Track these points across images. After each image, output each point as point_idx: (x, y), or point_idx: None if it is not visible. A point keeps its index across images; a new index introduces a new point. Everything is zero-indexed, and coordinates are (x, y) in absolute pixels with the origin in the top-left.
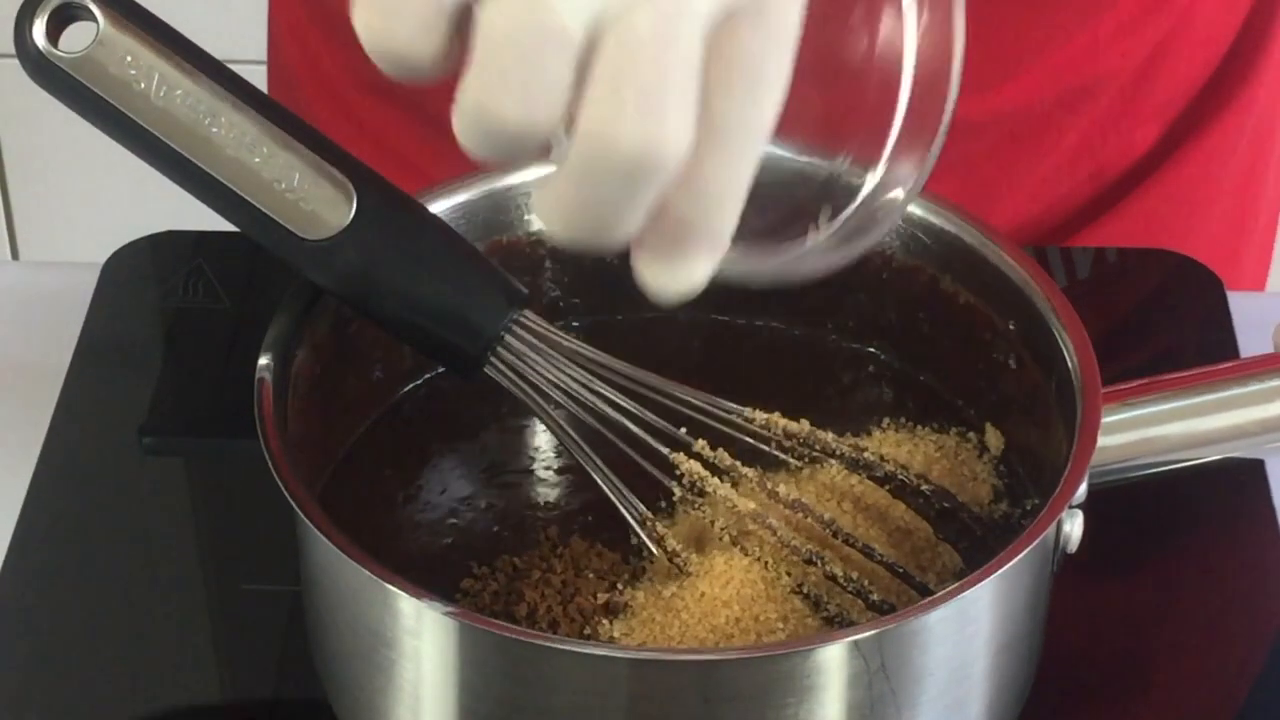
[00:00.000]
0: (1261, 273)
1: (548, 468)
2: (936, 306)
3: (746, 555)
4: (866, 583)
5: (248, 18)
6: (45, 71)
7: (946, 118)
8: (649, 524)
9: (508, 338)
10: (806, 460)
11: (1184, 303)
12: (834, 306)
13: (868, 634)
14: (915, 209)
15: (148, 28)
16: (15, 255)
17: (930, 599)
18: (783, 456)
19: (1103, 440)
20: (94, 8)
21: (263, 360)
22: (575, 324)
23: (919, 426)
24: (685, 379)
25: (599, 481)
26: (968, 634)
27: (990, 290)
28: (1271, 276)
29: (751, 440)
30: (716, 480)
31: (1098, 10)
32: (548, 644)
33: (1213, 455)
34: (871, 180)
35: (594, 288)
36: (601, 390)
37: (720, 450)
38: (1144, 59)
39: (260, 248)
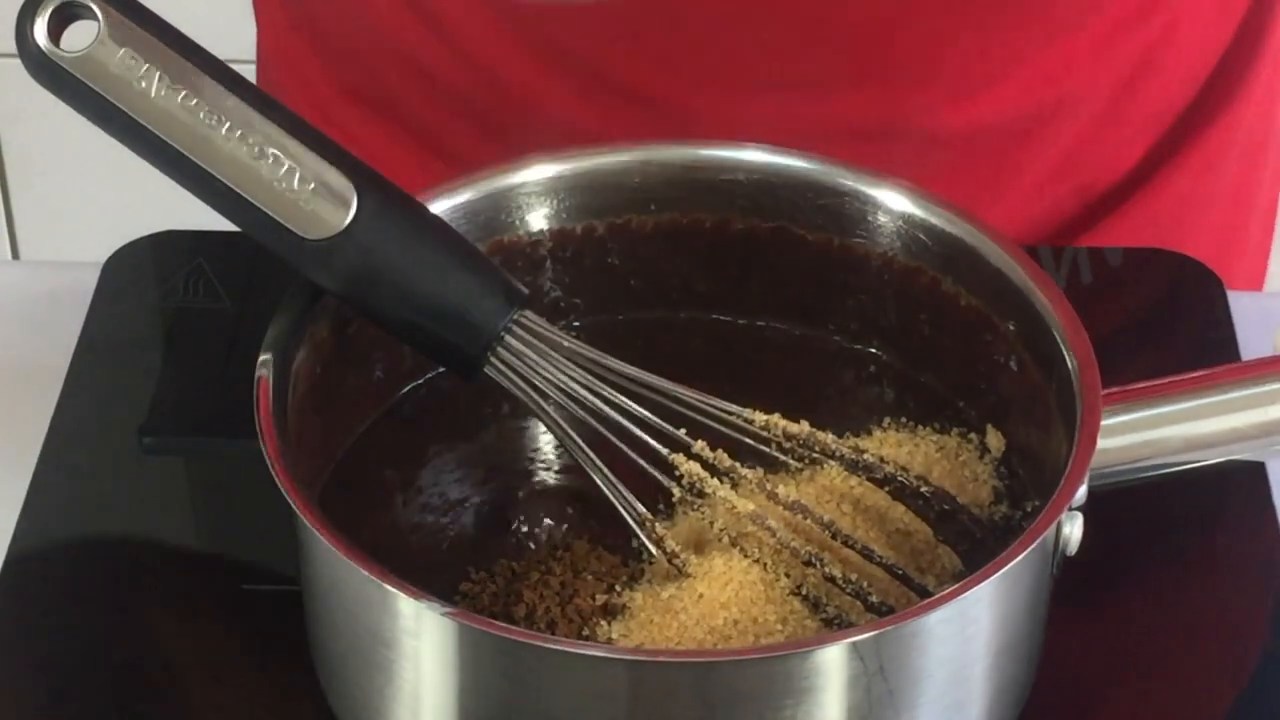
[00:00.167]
0: (1255, 287)
1: (547, 468)
2: (937, 308)
3: (746, 557)
4: (866, 584)
5: (248, 17)
6: (46, 70)
7: None
8: (648, 525)
9: (508, 338)
10: (806, 462)
11: (1184, 303)
12: (835, 307)
13: (866, 635)
14: (916, 210)
15: (149, 27)
16: (15, 255)
17: (929, 600)
18: (782, 458)
19: (1103, 443)
20: (95, 7)
21: (262, 360)
22: (576, 324)
23: (920, 427)
24: (685, 380)
25: (598, 482)
26: (967, 636)
27: (991, 292)
28: (1265, 288)
29: (751, 441)
30: (716, 481)
31: (1075, 24)
32: (546, 645)
33: (1213, 458)
34: None
35: (595, 288)
36: (601, 391)
37: (720, 451)
38: (1126, 73)
39: (261, 247)
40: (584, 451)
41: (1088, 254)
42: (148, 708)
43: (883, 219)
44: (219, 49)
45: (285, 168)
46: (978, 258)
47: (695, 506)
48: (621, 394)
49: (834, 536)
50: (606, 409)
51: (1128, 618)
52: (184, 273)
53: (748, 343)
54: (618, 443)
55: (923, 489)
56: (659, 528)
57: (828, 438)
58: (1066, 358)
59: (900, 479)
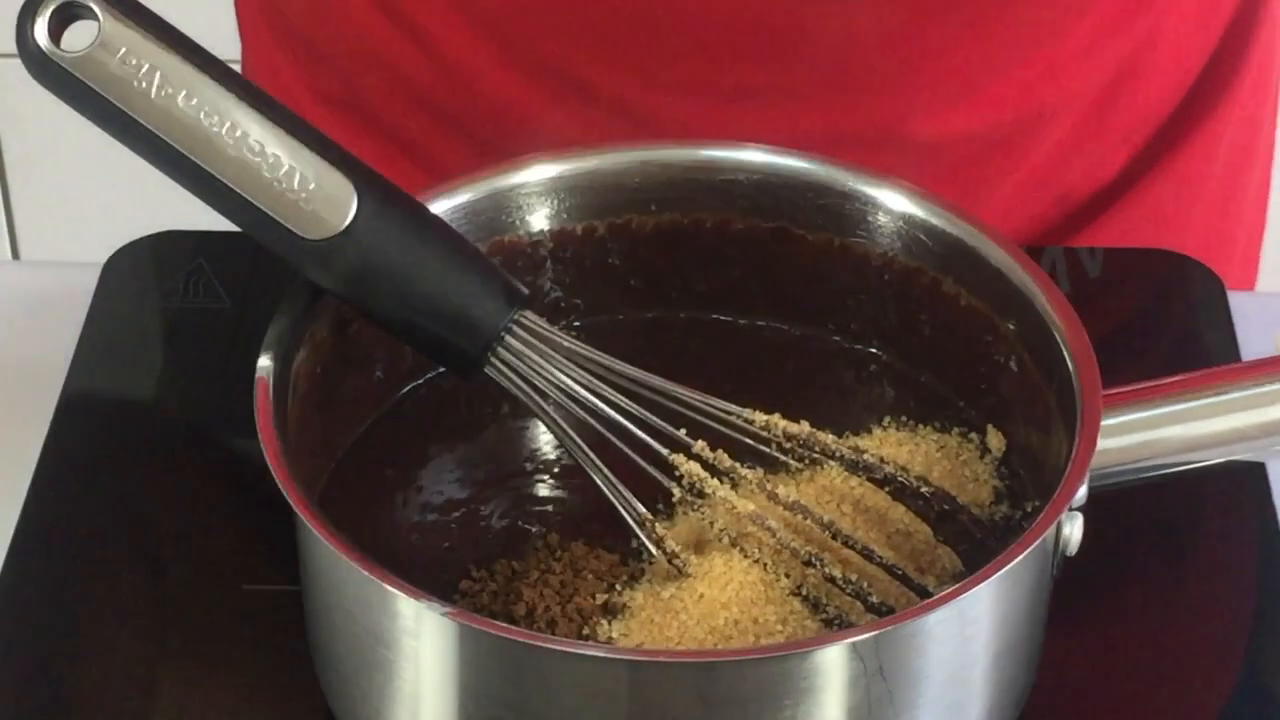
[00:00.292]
0: (1245, 289)
1: (547, 468)
2: (938, 308)
3: (746, 557)
4: (866, 585)
5: None
6: (47, 70)
7: None
8: (648, 525)
9: (508, 338)
10: (806, 462)
11: (1184, 303)
12: (835, 307)
13: (865, 636)
14: (917, 210)
15: (149, 27)
16: (16, 255)
17: (928, 601)
18: (782, 458)
19: (1103, 443)
20: (95, 7)
21: (262, 360)
22: (576, 324)
23: (920, 425)
24: (685, 380)
25: (598, 482)
26: (966, 636)
27: (991, 292)
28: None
29: (751, 442)
30: (716, 481)
31: (1056, 34)
32: (546, 645)
33: (1213, 459)
34: None
35: (595, 288)
36: (601, 391)
37: (720, 451)
38: (1109, 81)
39: (261, 247)
40: (584, 452)
41: (1088, 254)
42: (148, 707)
43: (883, 219)
44: (218, 49)
45: (285, 168)
46: (978, 258)
47: (695, 507)
48: (621, 394)
49: (834, 537)
50: (606, 409)
51: (1127, 618)
52: (184, 273)
53: (748, 343)
54: (618, 443)
55: (923, 489)
56: (659, 528)
57: (828, 438)
58: (1067, 358)
59: (900, 479)
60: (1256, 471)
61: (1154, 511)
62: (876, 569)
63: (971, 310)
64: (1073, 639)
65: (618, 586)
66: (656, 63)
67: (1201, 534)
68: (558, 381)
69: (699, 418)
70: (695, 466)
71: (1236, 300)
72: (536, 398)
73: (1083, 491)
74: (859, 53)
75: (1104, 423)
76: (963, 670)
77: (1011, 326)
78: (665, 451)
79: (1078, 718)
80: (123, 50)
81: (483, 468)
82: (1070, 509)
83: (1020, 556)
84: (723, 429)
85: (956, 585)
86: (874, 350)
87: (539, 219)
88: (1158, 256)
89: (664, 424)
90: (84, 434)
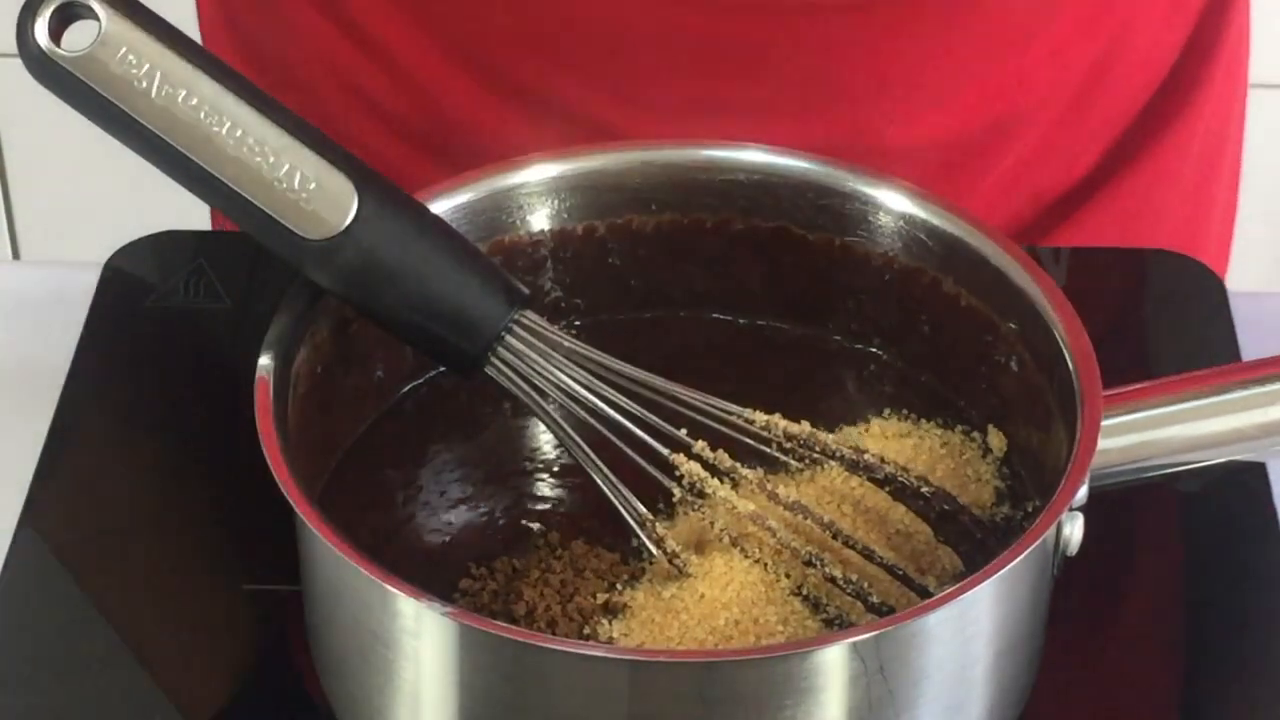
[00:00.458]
0: None
1: (548, 468)
2: (938, 308)
3: (746, 557)
4: (866, 585)
5: None
6: (47, 70)
7: None
8: (649, 525)
9: (508, 338)
10: (807, 462)
11: (1185, 303)
12: (835, 307)
13: (866, 636)
14: (918, 211)
15: (150, 26)
16: (16, 255)
17: (929, 601)
18: (783, 458)
19: (1103, 443)
20: (96, 6)
21: (263, 360)
22: (576, 324)
23: (923, 420)
24: (686, 380)
25: (599, 482)
26: (967, 636)
27: (992, 292)
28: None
29: (751, 442)
30: (716, 481)
31: (1023, 39)
32: (546, 644)
33: (1214, 459)
34: None
35: (596, 288)
36: (602, 391)
37: (720, 451)
38: (1079, 83)
39: (261, 247)
40: (584, 452)
41: (1088, 254)
42: (148, 708)
43: (883, 219)
44: None
45: (286, 168)
46: (979, 258)
47: (696, 507)
48: (622, 394)
49: (834, 537)
50: (607, 409)
51: (1128, 618)
52: (185, 273)
53: (748, 343)
54: (618, 443)
55: (923, 489)
56: (659, 528)
57: (828, 438)
58: (1067, 358)
59: (901, 479)
60: (1257, 471)
61: (1154, 512)
62: (877, 569)
63: (972, 310)
64: (1073, 639)
65: (618, 586)
66: (627, 80)
67: (1201, 534)
68: (558, 381)
69: (699, 418)
70: (695, 466)
71: (1237, 300)
72: (537, 397)
73: (1083, 491)
74: (830, 66)
75: (1104, 423)
76: (963, 670)
77: (1012, 326)
78: (665, 451)
79: (1078, 718)
80: (123, 50)
81: (483, 467)
82: (1071, 509)
83: (1021, 556)
84: (723, 429)
85: (957, 585)
86: (874, 350)
87: (539, 219)
88: (1158, 257)
89: (664, 424)
90: (84, 434)
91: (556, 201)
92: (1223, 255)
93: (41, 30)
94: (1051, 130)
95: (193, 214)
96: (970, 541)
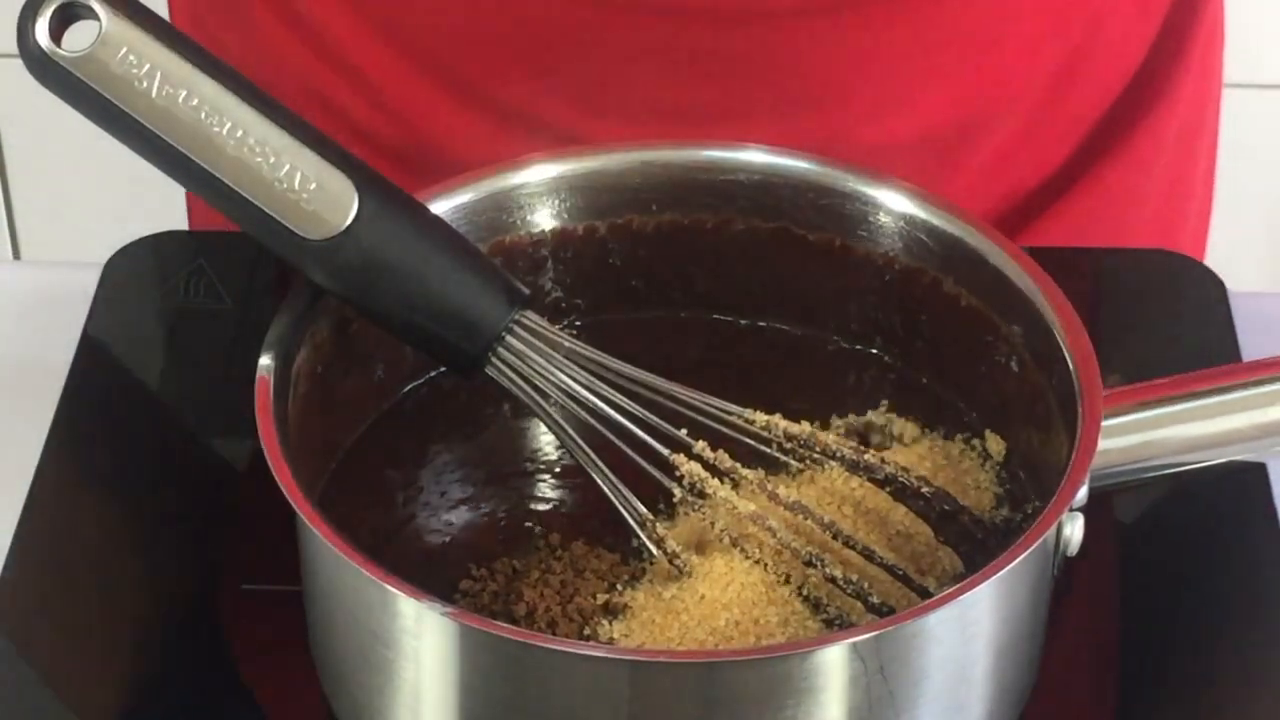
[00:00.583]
0: None
1: (548, 468)
2: (938, 309)
3: (747, 558)
4: (866, 585)
5: None
6: (47, 70)
7: None
8: (649, 525)
9: (509, 338)
10: (807, 463)
11: (1186, 304)
12: (836, 308)
13: (866, 636)
14: (918, 211)
15: (150, 27)
16: (17, 254)
17: (930, 601)
18: (783, 459)
19: (1103, 444)
20: (96, 6)
21: (263, 360)
22: (577, 324)
23: (925, 429)
24: (686, 380)
25: (599, 482)
26: (968, 636)
27: (992, 292)
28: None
29: (752, 442)
30: (717, 482)
31: (995, 39)
32: (547, 645)
33: (1214, 459)
34: None
35: (596, 288)
36: (602, 391)
37: (720, 452)
38: (1051, 78)
39: (262, 247)
40: (585, 452)
41: (1089, 255)
42: (149, 708)
43: (884, 220)
44: None
45: (286, 168)
46: (979, 259)
47: (696, 507)
48: (622, 394)
49: (835, 537)
50: (607, 409)
51: (1128, 619)
52: (185, 273)
53: (748, 343)
54: (618, 443)
55: (924, 489)
56: (660, 528)
57: (829, 438)
58: (1067, 358)
59: (901, 479)
60: (1257, 472)
61: (1154, 512)
62: (878, 570)
63: (972, 310)
64: (1073, 639)
65: (619, 586)
66: (597, 90)
67: (1201, 534)
68: (558, 381)
69: (699, 418)
70: (696, 467)
71: (1238, 301)
72: (537, 398)
73: (1083, 492)
74: (800, 70)
75: (1104, 423)
76: (964, 670)
77: (1012, 327)
78: (666, 452)
79: (1078, 717)
80: (123, 50)
81: (483, 467)
82: (1071, 509)
83: (1021, 557)
84: (723, 429)
85: (958, 585)
86: (874, 351)
87: (540, 219)
88: (1159, 257)
89: (665, 424)
90: (85, 434)
91: (557, 201)
92: (1199, 247)
93: (42, 30)
94: (1025, 125)
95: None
96: (971, 542)
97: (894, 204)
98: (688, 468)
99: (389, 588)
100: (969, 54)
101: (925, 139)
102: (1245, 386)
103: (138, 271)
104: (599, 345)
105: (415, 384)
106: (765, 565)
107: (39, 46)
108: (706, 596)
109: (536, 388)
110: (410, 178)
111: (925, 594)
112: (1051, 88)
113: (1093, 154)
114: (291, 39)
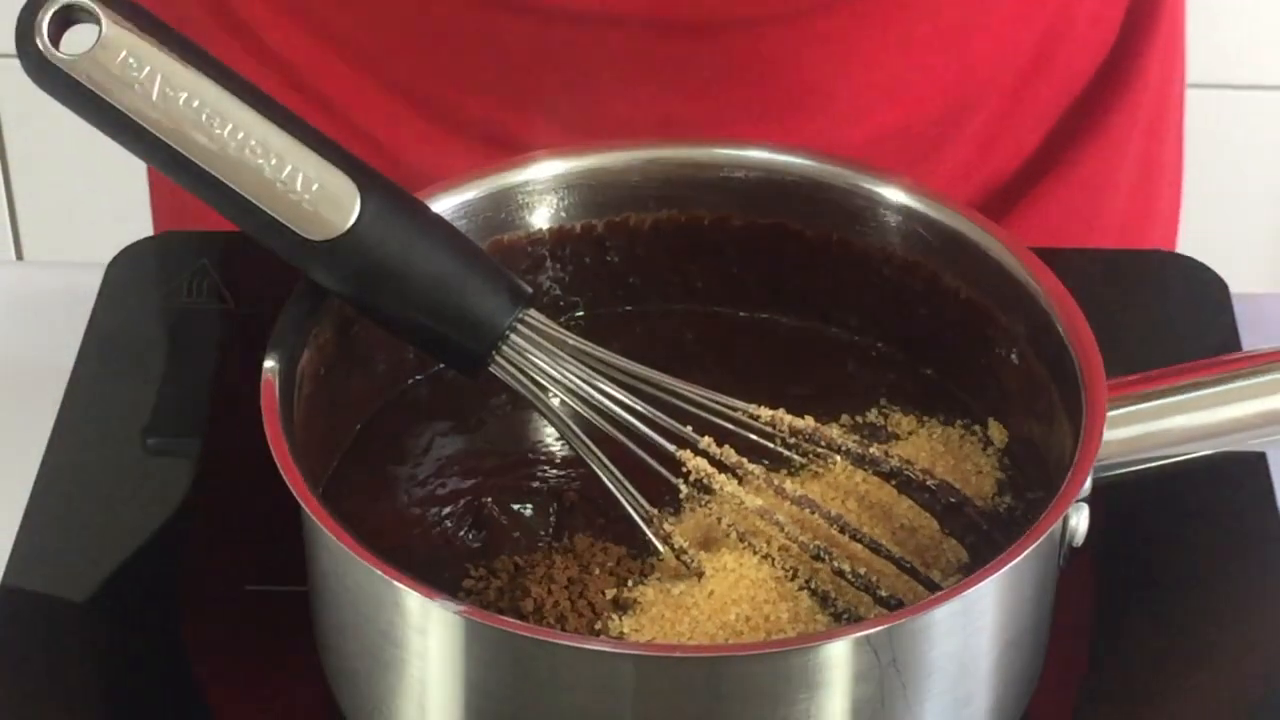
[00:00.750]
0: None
1: (552, 465)
2: (938, 302)
3: (754, 553)
4: (874, 579)
5: None
6: (47, 73)
7: None
8: (655, 522)
9: (512, 336)
10: (811, 457)
11: (1188, 304)
12: (835, 302)
13: (879, 629)
14: (917, 204)
15: (149, 29)
16: (19, 255)
17: (941, 594)
18: (787, 453)
19: (1107, 434)
20: (96, 9)
21: (268, 362)
22: (576, 321)
23: (925, 416)
24: (689, 375)
25: (604, 479)
26: (976, 628)
27: (992, 285)
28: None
29: (756, 437)
30: (723, 477)
31: (972, 26)
32: (556, 640)
33: (1216, 449)
34: None
35: (595, 286)
36: (606, 388)
37: (726, 447)
38: (1023, 65)
39: (265, 248)
40: (590, 449)
41: (1089, 255)
42: (152, 709)
43: (882, 214)
44: None
45: (288, 169)
46: (979, 252)
47: (702, 503)
48: (626, 391)
49: (841, 531)
50: (612, 406)
51: (1131, 609)
52: (188, 273)
53: (750, 338)
54: (623, 440)
55: (928, 481)
56: (666, 525)
57: (833, 432)
58: (1070, 350)
59: (906, 472)
60: (1258, 461)
61: (1156, 502)
62: (884, 563)
63: (972, 304)
64: (1076, 629)
65: (629, 582)
66: (578, 106)
67: (1203, 524)
68: (563, 379)
69: (704, 414)
70: (702, 462)
71: (1237, 301)
72: (541, 395)
73: (1087, 483)
74: (782, 76)
75: (1108, 414)
76: (972, 662)
77: (1013, 319)
78: (671, 448)
79: (1083, 709)
80: (123, 53)
81: (487, 464)
82: (1076, 500)
83: (1029, 549)
84: (728, 425)
85: (969, 577)
86: (876, 344)
87: (538, 217)
88: (1160, 257)
89: (670, 420)
90: (88, 434)
91: (555, 200)
92: (1170, 233)
93: (41, 33)
94: (999, 114)
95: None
96: (976, 534)
97: (891, 198)
98: (694, 464)
99: (397, 585)
100: (945, 45)
101: (904, 132)
102: (1246, 376)
103: (140, 272)
104: (599, 343)
105: (417, 380)
106: (773, 560)
107: (38, 49)
108: (716, 592)
109: (541, 385)
110: None
111: (932, 586)
112: (1024, 75)
113: (1067, 139)
114: (259, 70)
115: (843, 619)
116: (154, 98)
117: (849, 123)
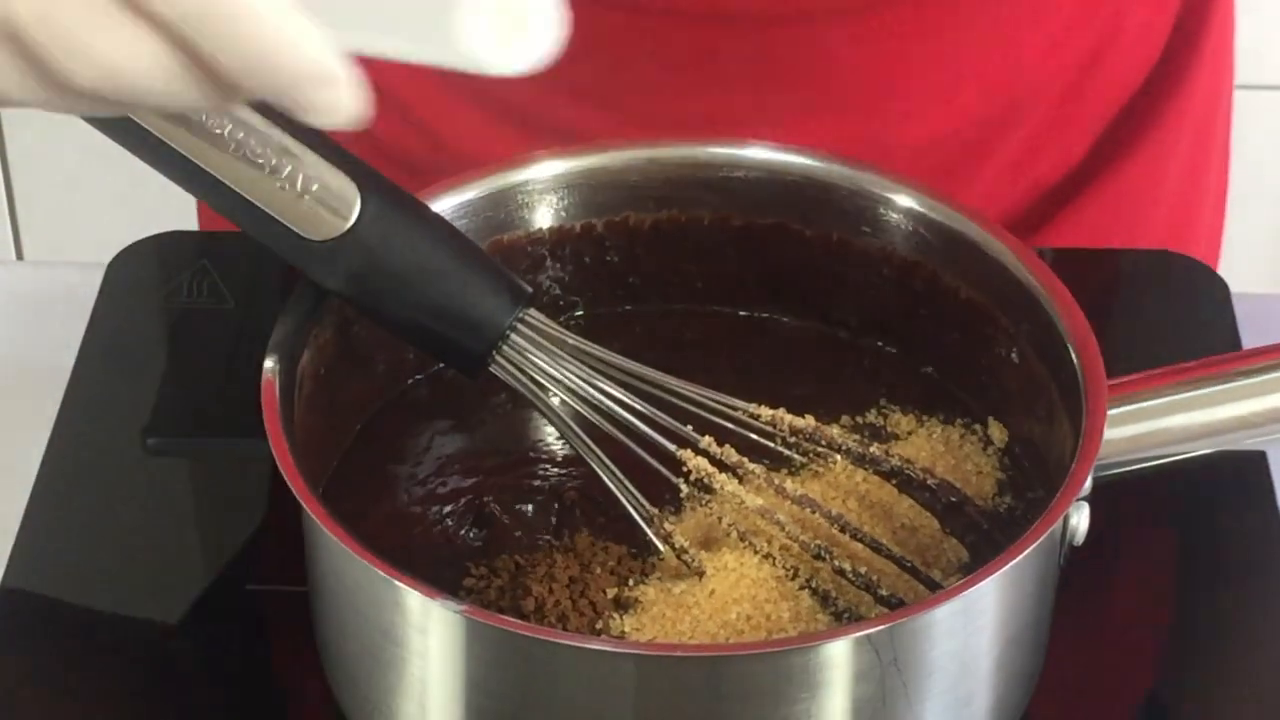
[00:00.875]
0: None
1: (553, 464)
2: (938, 302)
3: (755, 552)
4: (875, 578)
5: None
6: None
7: None
8: (656, 521)
9: (513, 336)
10: (812, 456)
11: (1189, 304)
12: (835, 302)
13: (880, 628)
14: (916, 204)
15: None
16: (20, 255)
17: (944, 592)
18: (788, 453)
19: (1107, 434)
20: None
21: (268, 362)
22: (579, 321)
23: (926, 417)
24: (688, 375)
25: (605, 479)
26: (977, 627)
27: (993, 285)
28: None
29: (757, 437)
30: (724, 477)
31: (1021, 36)
32: (557, 640)
33: (1216, 447)
34: None
35: (595, 286)
36: (607, 387)
37: (726, 446)
38: (1074, 71)
39: (265, 248)
40: (590, 448)
41: (1091, 256)
42: (153, 709)
43: (882, 214)
44: None
45: (288, 170)
46: (979, 252)
47: (703, 502)
48: (627, 390)
49: (842, 530)
50: (612, 405)
51: (1131, 606)
52: (188, 273)
53: (751, 338)
54: (624, 439)
55: (929, 481)
56: (667, 524)
57: (833, 432)
58: (1070, 349)
59: (907, 471)
60: (1258, 459)
61: (1156, 500)
62: (885, 562)
63: (972, 303)
64: (1076, 627)
65: (630, 581)
66: (631, 98)
67: (1204, 522)
68: (563, 378)
69: (705, 414)
70: (702, 462)
71: (1237, 301)
72: (542, 395)
73: (1088, 482)
74: (833, 74)
75: (1108, 413)
76: (973, 661)
77: (1013, 318)
78: (672, 447)
79: (1084, 707)
80: None
81: (487, 464)
82: (1076, 499)
83: (1030, 548)
84: (728, 424)
85: (970, 577)
86: (876, 344)
87: (538, 217)
88: (1161, 258)
89: (670, 420)
90: (88, 434)
91: (555, 199)
92: (1214, 242)
93: None
94: (1048, 119)
95: (196, 215)
96: (976, 533)
97: (892, 198)
98: (694, 463)
99: (398, 584)
100: (998, 47)
101: (954, 135)
102: (1245, 374)
103: (141, 272)
104: (598, 342)
105: (417, 380)
106: (774, 559)
107: None
108: (717, 591)
109: (541, 385)
110: (412, 177)
111: (933, 585)
112: (1074, 80)
113: (1114, 147)
114: None
115: (843, 618)
116: None
117: (891, 127)
